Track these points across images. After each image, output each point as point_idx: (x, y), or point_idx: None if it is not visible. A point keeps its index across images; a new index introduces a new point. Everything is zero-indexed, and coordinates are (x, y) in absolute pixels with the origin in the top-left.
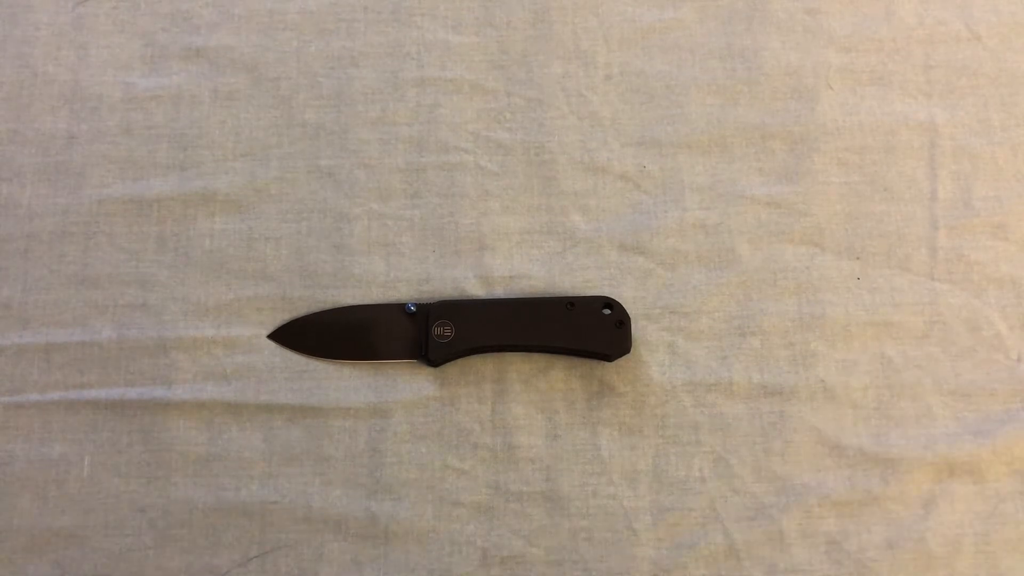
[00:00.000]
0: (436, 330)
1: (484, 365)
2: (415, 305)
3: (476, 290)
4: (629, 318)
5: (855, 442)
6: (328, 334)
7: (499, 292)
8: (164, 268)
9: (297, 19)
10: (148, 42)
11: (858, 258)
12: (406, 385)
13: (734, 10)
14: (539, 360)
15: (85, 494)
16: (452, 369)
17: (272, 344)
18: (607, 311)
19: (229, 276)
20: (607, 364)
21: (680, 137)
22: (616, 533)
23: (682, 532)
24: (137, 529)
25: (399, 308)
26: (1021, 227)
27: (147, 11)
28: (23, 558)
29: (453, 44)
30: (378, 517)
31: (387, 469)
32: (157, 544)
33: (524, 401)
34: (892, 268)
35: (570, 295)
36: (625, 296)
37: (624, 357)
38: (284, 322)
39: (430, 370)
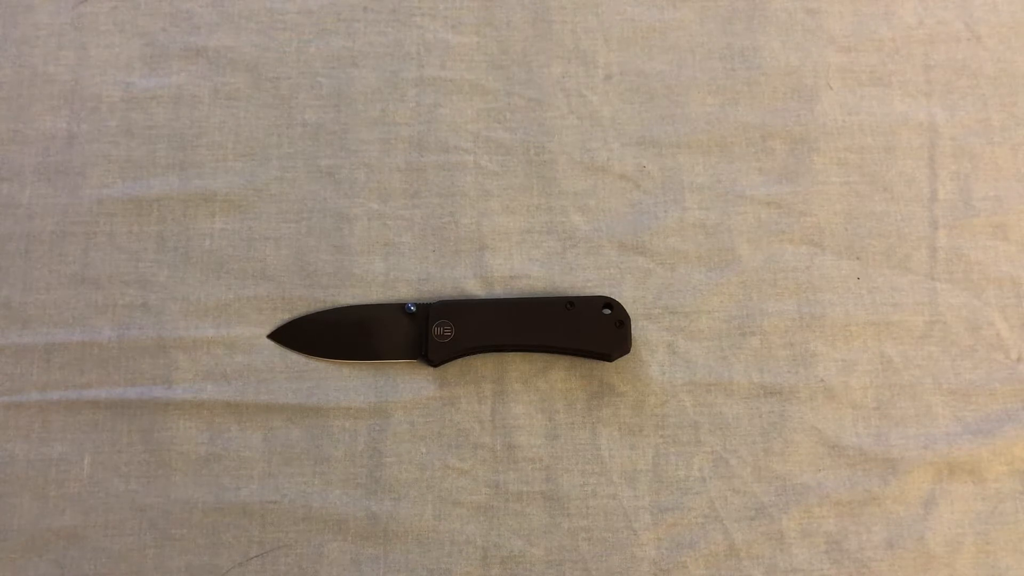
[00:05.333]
0: (436, 330)
1: (484, 365)
2: (415, 305)
3: (476, 290)
4: (629, 318)
5: (855, 442)
6: (328, 334)
7: (499, 292)
8: (164, 268)
9: (297, 19)
10: (148, 42)
11: (858, 258)
12: (406, 385)
13: (734, 10)
14: (539, 360)
15: (85, 494)
16: (452, 369)
17: (272, 344)
18: (607, 311)
19: (229, 276)
20: (607, 364)
21: (680, 137)
22: (616, 533)
23: (682, 532)
24: (137, 529)
25: (399, 308)
26: (1021, 227)
27: (147, 11)
28: (23, 558)
29: (453, 44)
30: (378, 517)
31: (387, 469)
32: (157, 544)
33: (524, 401)
34: (892, 268)
35: (570, 295)
36: (625, 296)
37: (624, 357)
38: (284, 322)
39: (430, 370)
